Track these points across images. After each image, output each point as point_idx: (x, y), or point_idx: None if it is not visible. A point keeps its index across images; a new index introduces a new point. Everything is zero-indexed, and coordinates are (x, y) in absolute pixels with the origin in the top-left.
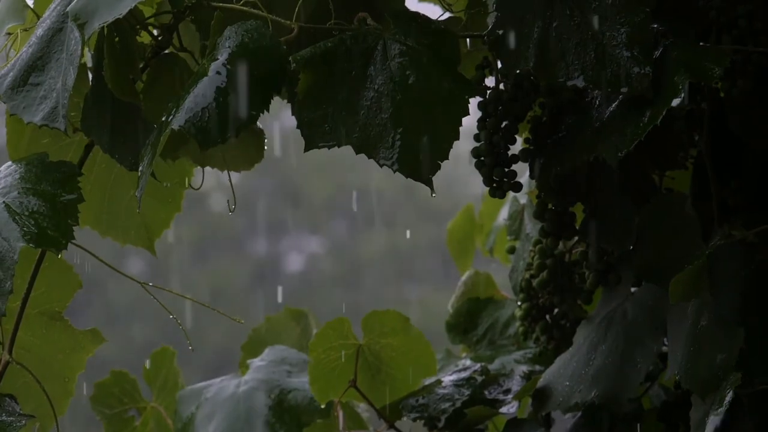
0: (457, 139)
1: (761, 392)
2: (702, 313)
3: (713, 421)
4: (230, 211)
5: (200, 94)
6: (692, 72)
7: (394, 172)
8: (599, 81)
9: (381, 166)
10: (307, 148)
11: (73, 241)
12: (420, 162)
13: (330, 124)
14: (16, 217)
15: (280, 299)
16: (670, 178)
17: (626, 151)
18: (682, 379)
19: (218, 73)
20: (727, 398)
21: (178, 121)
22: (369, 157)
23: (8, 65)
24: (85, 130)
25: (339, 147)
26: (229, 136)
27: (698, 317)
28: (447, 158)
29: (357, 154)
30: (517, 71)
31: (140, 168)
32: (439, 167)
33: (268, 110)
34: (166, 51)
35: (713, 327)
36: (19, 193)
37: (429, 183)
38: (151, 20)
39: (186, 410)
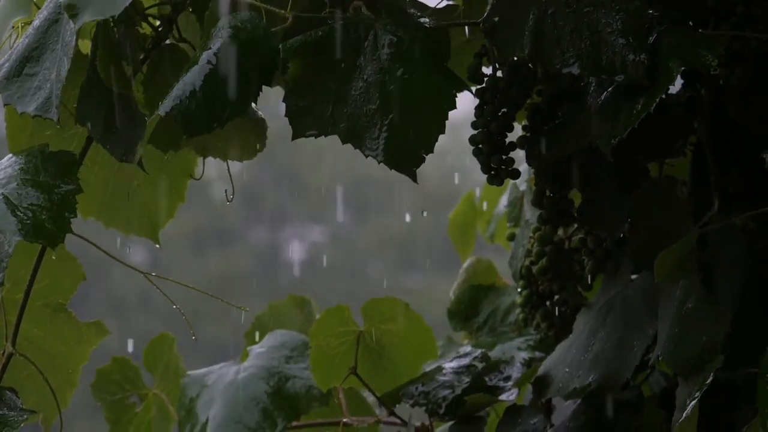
0: (443, 132)
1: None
2: (689, 295)
3: (692, 401)
4: (228, 201)
5: (189, 81)
6: (686, 59)
7: (379, 162)
8: (594, 68)
9: (366, 156)
10: (294, 137)
11: (76, 232)
12: (405, 154)
13: (318, 113)
14: (14, 210)
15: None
16: (669, 165)
17: (619, 138)
18: (665, 360)
19: (208, 62)
20: (708, 380)
21: (164, 107)
22: (355, 147)
23: (5, 56)
24: (80, 120)
25: (326, 136)
26: (215, 126)
27: (685, 299)
28: (432, 151)
29: (343, 143)
30: (514, 58)
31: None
32: (423, 160)
33: (255, 102)
34: (167, 42)
35: (699, 309)
36: (18, 184)
37: (413, 175)
38: (151, 11)
39: (188, 396)
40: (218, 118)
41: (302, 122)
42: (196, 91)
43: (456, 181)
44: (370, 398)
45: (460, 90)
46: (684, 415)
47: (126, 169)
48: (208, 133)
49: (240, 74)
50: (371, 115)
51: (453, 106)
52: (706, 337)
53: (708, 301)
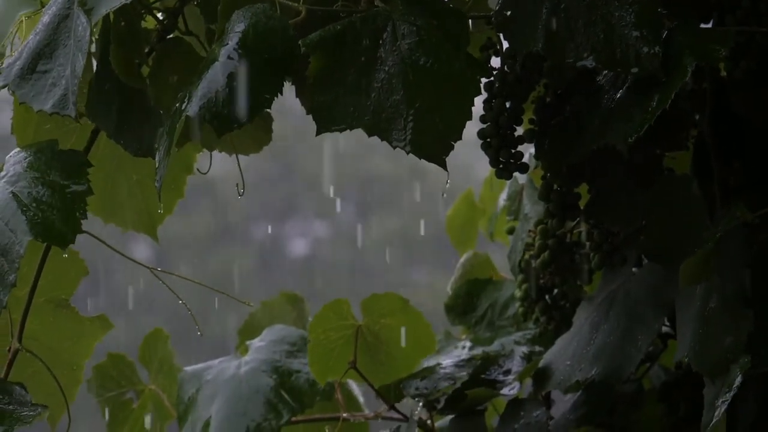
0: (470, 118)
1: (765, 375)
2: (711, 296)
3: (723, 404)
4: (239, 195)
5: (213, 80)
6: (697, 54)
7: (407, 153)
8: (609, 62)
9: (394, 147)
10: (318, 132)
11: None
12: (433, 142)
13: (341, 107)
14: (24, 208)
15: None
16: (670, 157)
17: (636, 136)
18: (691, 361)
19: (230, 58)
20: (737, 381)
21: (192, 108)
22: (382, 139)
23: (15, 53)
24: (91, 117)
25: (351, 130)
26: (244, 122)
27: (707, 300)
28: (460, 138)
29: (369, 136)
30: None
31: (157, 158)
32: (452, 147)
33: (281, 93)
34: (171, 35)
35: (722, 309)
36: (27, 182)
37: (443, 163)
38: (156, 4)
39: (187, 392)
40: (247, 114)
41: (326, 117)
42: (222, 89)
43: (457, 177)
44: (361, 396)
45: (483, 75)
46: (715, 418)
47: (124, 164)
48: (239, 129)
49: (262, 68)
50: (396, 105)
51: (478, 92)
52: (730, 338)
53: (730, 301)
